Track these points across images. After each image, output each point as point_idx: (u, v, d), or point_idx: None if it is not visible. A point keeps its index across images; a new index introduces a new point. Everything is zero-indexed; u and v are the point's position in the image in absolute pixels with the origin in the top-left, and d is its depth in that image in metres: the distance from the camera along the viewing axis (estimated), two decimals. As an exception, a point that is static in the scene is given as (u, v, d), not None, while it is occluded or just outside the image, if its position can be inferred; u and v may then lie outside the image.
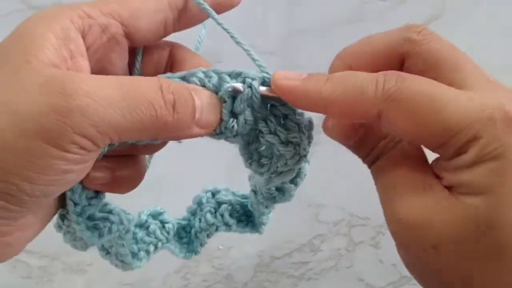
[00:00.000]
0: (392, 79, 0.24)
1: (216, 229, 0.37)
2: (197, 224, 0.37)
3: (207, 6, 0.29)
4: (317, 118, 0.29)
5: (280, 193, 0.34)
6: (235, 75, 0.29)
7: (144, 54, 0.30)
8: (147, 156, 0.32)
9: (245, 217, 0.38)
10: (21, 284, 0.49)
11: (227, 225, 0.37)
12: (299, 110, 0.29)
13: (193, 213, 0.37)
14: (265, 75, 0.29)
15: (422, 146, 0.27)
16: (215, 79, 0.28)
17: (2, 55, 0.24)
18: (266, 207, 0.35)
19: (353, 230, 0.55)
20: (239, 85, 0.28)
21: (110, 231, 0.30)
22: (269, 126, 0.30)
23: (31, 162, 0.22)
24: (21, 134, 0.22)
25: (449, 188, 0.24)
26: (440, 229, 0.24)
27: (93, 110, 0.22)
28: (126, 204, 0.32)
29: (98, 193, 0.29)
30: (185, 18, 0.30)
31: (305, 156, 0.30)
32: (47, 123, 0.22)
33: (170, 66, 0.32)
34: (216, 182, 0.37)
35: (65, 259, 0.49)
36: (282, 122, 0.30)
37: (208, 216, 0.36)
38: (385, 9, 0.53)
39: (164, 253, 0.50)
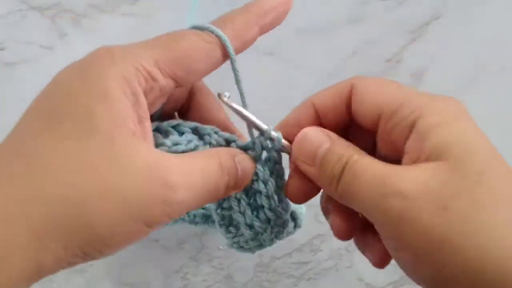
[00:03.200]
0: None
1: (182, 222, 0.42)
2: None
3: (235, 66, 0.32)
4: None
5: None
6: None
7: None
8: None
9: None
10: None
11: (193, 222, 0.43)
12: (279, 209, 0.33)
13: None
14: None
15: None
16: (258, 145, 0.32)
17: (87, 108, 0.25)
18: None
19: (353, 230, 0.55)
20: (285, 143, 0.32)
21: None
22: (240, 204, 0.33)
23: (126, 239, 0.25)
24: (129, 218, 0.24)
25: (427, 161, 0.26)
26: (443, 190, 0.25)
27: (186, 201, 0.27)
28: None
29: None
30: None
31: (264, 246, 0.35)
32: (152, 211, 0.25)
33: (188, 104, 0.34)
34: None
35: (65, 259, 0.49)
36: (258, 209, 0.33)
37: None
38: (385, 9, 0.53)
39: (164, 253, 0.50)
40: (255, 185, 0.32)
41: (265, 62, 0.50)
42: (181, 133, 0.31)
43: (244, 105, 0.32)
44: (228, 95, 0.31)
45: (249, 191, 0.32)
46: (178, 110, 0.35)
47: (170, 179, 0.25)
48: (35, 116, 0.26)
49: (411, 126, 0.27)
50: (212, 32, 0.30)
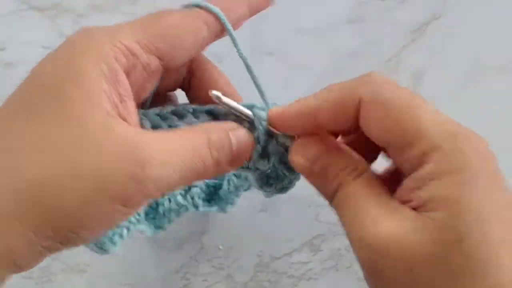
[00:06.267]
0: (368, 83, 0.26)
1: (186, 209, 0.39)
2: (166, 203, 0.39)
3: (230, 27, 0.31)
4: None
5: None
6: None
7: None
8: None
9: (212, 197, 0.41)
10: (21, 284, 0.49)
11: (195, 206, 0.39)
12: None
13: None
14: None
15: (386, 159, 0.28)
16: (251, 117, 0.31)
17: (59, 91, 0.25)
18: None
19: (353, 230, 0.55)
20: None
21: None
22: (281, 157, 0.32)
23: (102, 219, 0.25)
24: (101, 197, 0.24)
25: (415, 209, 0.24)
26: (414, 250, 0.23)
27: (163, 178, 0.25)
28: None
29: None
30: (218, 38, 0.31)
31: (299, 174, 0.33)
32: (126, 190, 0.24)
33: (189, 79, 0.33)
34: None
35: (65, 259, 0.49)
36: (286, 152, 0.32)
37: (179, 198, 0.39)
38: (385, 9, 0.53)
39: (164, 254, 0.50)
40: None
41: (265, 62, 0.50)
42: (181, 115, 0.30)
43: (251, 72, 0.31)
44: (217, 93, 0.31)
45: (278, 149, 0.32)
46: (182, 88, 0.34)
47: (141, 156, 0.25)
48: (11, 101, 0.26)
49: (416, 166, 0.25)
50: (198, 6, 0.29)
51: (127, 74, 0.27)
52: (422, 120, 0.25)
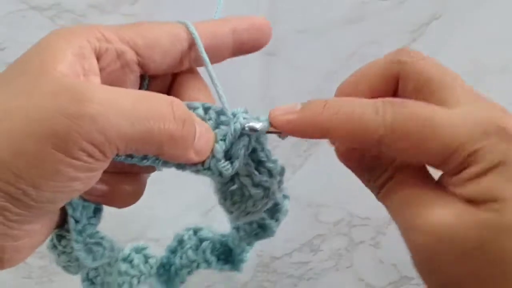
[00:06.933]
0: (388, 105, 0.25)
1: (197, 266, 0.38)
2: (177, 261, 0.38)
3: (205, 55, 0.29)
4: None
5: (262, 230, 0.35)
6: (232, 115, 0.29)
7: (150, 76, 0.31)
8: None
9: (224, 255, 0.39)
10: (21, 284, 0.49)
11: (207, 262, 0.38)
12: (274, 157, 0.31)
13: (173, 251, 0.38)
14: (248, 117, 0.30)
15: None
16: (213, 116, 0.29)
17: (22, 65, 0.25)
18: (248, 244, 0.36)
19: (353, 230, 0.55)
20: (257, 124, 0.29)
21: (102, 255, 0.31)
22: (246, 169, 0.31)
23: (39, 167, 0.22)
24: (30, 137, 0.22)
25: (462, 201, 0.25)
26: (466, 237, 0.24)
27: (103, 117, 0.22)
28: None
29: (96, 213, 0.30)
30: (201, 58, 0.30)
31: (273, 199, 0.32)
32: (56, 127, 0.22)
33: (169, 86, 0.32)
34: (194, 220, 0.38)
35: (65, 259, 0.49)
36: (257, 166, 0.31)
37: (190, 252, 0.37)
38: (385, 9, 0.53)
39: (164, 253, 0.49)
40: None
41: (265, 62, 0.50)
42: None
43: (214, 84, 0.30)
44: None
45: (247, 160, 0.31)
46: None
47: (82, 94, 0.22)
48: None
49: (458, 172, 0.25)
50: (179, 22, 0.29)
51: (98, 57, 0.27)
52: (446, 135, 0.25)
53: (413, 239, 0.26)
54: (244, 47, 0.31)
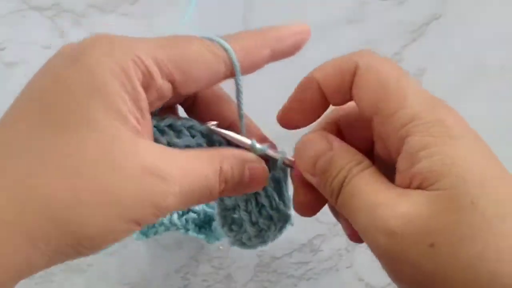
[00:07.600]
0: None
1: (175, 229, 0.43)
2: (164, 220, 0.43)
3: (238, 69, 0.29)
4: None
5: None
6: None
7: None
8: None
9: (204, 225, 0.44)
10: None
11: (186, 229, 0.43)
12: (281, 206, 0.32)
13: None
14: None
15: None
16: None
17: (84, 107, 0.24)
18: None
19: (353, 230, 0.55)
20: (289, 158, 0.31)
21: None
22: (247, 205, 0.32)
23: (117, 238, 0.25)
24: (121, 221, 0.24)
25: (420, 189, 0.25)
26: (431, 224, 0.23)
27: (176, 206, 0.26)
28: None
29: None
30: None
31: (267, 242, 0.34)
32: (147, 217, 0.25)
33: (193, 98, 0.32)
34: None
35: (65, 259, 0.49)
36: (260, 207, 0.32)
37: (175, 217, 0.42)
38: (385, 9, 0.53)
39: (164, 253, 0.50)
40: None
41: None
42: (178, 131, 0.30)
43: (241, 118, 0.31)
44: (214, 123, 0.30)
45: (250, 196, 0.32)
46: (183, 104, 0.33)
47: (164, 187, 0.25)
48: (28, 106, 0.24)
49: (402, 141, 0.25)
50: (219, 43, 0.28)
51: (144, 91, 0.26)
52: (406, 89, 0.27)
53: (373, 242, 0.25)
54: (278, 58, 0.32)
